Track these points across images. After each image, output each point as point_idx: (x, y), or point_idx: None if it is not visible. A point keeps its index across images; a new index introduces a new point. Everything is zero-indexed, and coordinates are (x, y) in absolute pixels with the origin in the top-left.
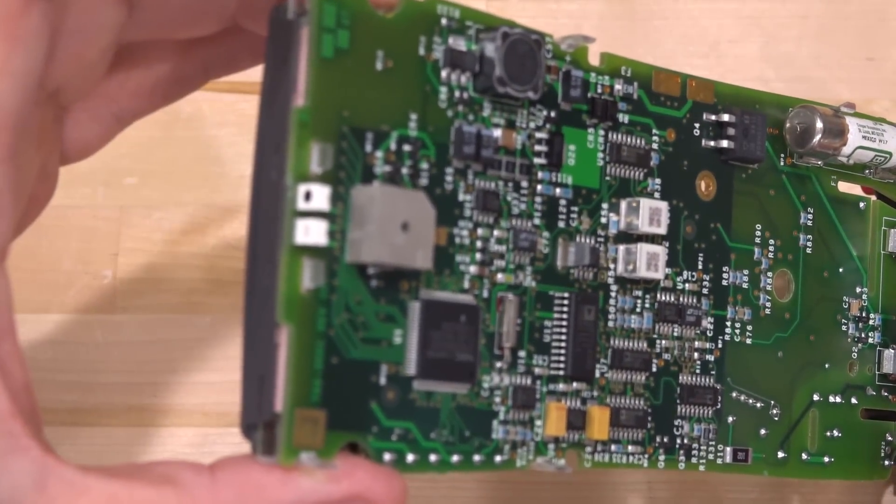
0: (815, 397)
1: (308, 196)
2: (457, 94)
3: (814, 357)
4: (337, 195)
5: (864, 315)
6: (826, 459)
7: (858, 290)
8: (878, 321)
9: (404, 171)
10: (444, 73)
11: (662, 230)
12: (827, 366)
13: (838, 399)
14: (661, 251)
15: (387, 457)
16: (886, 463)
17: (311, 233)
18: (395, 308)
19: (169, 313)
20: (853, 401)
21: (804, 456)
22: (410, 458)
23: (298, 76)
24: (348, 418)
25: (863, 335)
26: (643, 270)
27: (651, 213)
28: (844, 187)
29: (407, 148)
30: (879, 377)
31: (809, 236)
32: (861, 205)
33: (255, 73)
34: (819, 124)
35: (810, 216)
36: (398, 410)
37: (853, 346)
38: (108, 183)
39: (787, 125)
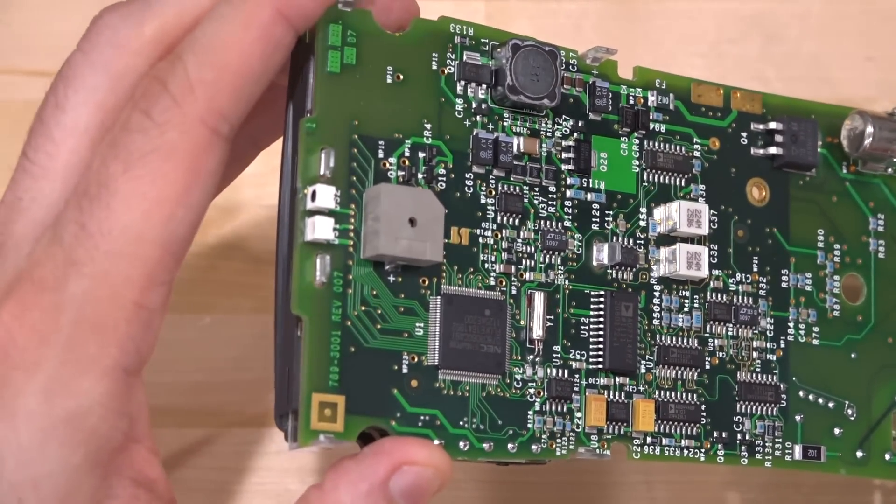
0: None
1: (314, 196)
2: (474, 105)
3: (894, 359)
4: (350, 197)
5: None
6: None
7: None
8: None
9: (420, 175)
10: (459, 86)
11: (703, 231)
12: None
13: None
14: (702, 250)
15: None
16: None
17: (318, 229)
18: (415, 302)
19: (169, 313)
20: None
21: (887, 456)
22: (437, 443)
23: (308, 90)
24: (369, 404)
25: None
26: (684, 269)
27: (690, 214)
28: None
29: (422, 155)
30: None
31: (881, 241)
32: None
33: None
34: (870, 128)
35: (881, 222)
36: (423, 398)
37: None
38: None
39: (843, 132)
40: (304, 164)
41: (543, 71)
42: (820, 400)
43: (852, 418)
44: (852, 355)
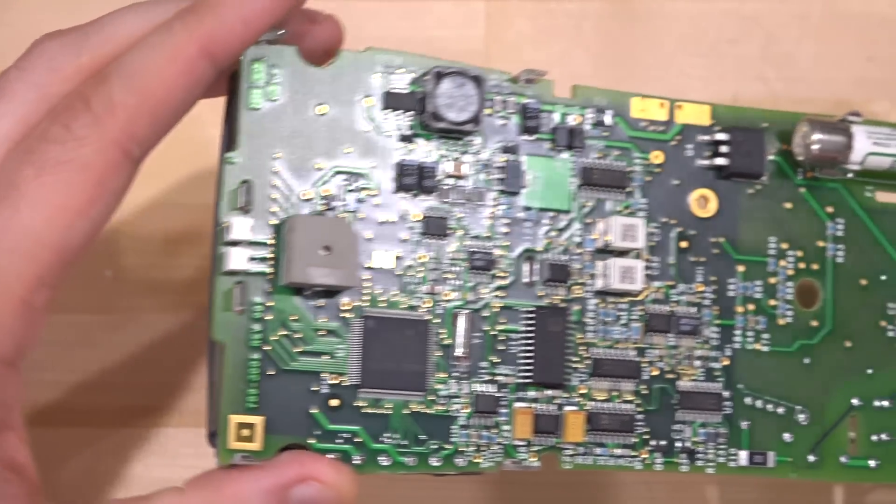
0: (855, 402)
1: (230, 228)
2: (398, 132)
3: (851, 363)
4: (269, 227)
5: None
6: (872, 463)
7: None
8: None
9: (341, 203)
10: (383, 115)
11: (639, 244)
12: (870, 371)
13: (885, 404)
14: (637, 264)
15: (330, 457)
16: None
17: (234, 259)
18: (336, 325)
19: (169, 313)
20: None
21: (843, 459)
22: (357, 458)
23: (234, 125)
24: (289, 423)
25: None
26: (617, 283)
27: (624, 229)
28: (887, 198)
29: (344, 183)
30: None
31: (840, 246)
32: None
33: None
34: (817, 135)
35: (840, 226)
36: (343, 416)
37: None
38: None
39: (794, 139)
40: (224, 197)
41: (467, 98)
42: (769, 406)
43: (804, 423)
44: (805, 360)
